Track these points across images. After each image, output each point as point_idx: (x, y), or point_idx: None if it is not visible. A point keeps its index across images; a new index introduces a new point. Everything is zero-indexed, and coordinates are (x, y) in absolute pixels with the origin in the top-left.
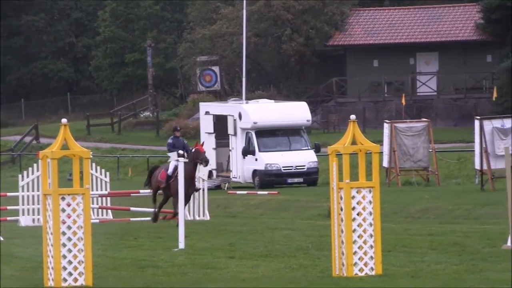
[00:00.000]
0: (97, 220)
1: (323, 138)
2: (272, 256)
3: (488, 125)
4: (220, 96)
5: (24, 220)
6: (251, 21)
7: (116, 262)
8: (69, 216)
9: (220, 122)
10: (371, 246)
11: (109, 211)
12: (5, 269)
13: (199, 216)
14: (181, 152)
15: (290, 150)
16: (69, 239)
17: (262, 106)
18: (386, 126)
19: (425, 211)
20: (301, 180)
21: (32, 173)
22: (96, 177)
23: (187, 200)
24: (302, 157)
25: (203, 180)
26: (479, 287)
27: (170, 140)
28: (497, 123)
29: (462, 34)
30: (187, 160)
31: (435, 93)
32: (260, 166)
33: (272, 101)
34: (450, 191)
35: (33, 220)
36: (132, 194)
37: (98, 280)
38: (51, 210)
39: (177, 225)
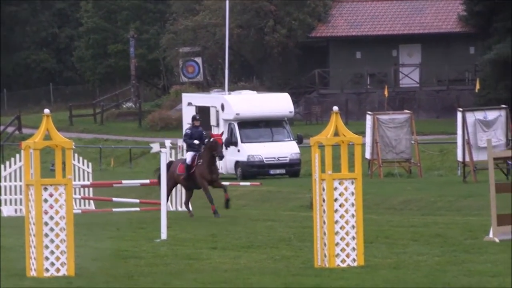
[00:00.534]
0: (80, 211)
1: (305, 130)
2: (254, 247)
3: (471, 117)
4: (202, 87)
5: (7, 210)
6: (233, 12)
7: (99, 253)
8: (51, 207)
9: (202, 113)
10: (353, 237)
11: (92, 201)
12: None
13: (181, 207)
14: (196, 142)
15: (272, 141)
16: (52, 229)
17: (244, 98)
18: (369, 118)
19: (408, 203)
20: (283, 171)
21: (15, 164)
22: (79, 168)
23: (217, 184)
24: (285, 149)
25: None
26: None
27: (187, 130)
28: (479, 115)
29: (445, 26)
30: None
31: (417, 85)
32: (243, 157)
33: (255, 92)
34: (432, 182)
35: (16, 210)
36: (114, 185)
37: (80, 270)
38: (34, 200)
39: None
